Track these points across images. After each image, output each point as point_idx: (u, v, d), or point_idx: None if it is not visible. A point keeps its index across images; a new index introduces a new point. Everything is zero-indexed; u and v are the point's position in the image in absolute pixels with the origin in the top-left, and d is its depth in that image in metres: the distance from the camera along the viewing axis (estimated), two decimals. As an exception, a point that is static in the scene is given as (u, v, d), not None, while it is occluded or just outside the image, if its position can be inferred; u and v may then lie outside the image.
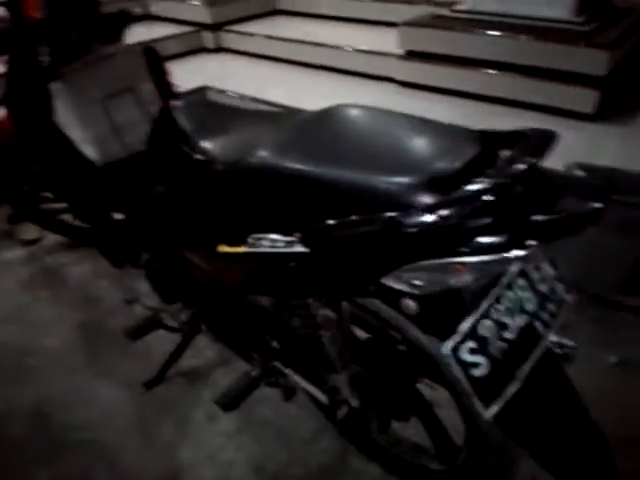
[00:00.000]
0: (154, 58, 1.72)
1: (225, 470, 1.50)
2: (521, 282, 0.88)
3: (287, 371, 1.31)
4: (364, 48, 3.27)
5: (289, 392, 1.46)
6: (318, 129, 0.99)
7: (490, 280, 0.83)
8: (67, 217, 2.24)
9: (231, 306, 1.39)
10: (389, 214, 0.78)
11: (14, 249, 2.53)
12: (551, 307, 0.91)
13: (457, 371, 0.79)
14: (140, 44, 1.74)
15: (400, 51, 3.02)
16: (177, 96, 1.30)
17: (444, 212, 0.74)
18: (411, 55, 2.99)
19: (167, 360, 1.76)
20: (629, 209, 1.70)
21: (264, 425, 1.60)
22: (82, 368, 1.86)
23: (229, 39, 3.96)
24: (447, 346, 0.79)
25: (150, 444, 1.59)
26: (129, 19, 1.64)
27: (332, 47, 3.39)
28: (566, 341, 1.03)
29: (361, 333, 1.25)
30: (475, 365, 0.80)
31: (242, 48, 3.89)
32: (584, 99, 2.45)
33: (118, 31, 1.65)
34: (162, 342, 1.83)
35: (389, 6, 3.62)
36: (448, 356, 0.80)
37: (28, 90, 1.57)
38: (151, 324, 1.67)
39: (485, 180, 0.77)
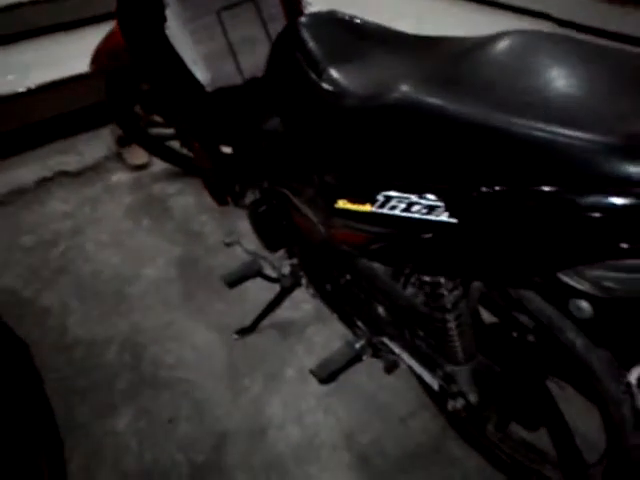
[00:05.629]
0: None
1: (312, 433, 1.42)
2: None
3: (397, 350, 1.16)
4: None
5: (391, 365, 1.33)
6: (483, 61, 0.75)
7: None
8: (175, 144, 2.17)
9: (338, 265, 1.26)
10: (583, 188, 0.57)
11: (121, 173, 2.53)
12: None
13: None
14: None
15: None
16: (304, 16, 1.11)
17: None
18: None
19: (263, 310, 1.68)
20: None
21: (357, 392, 1.50)
22: (177, 304, 1.83)
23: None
24: (634, 375, 0.65)
25: (238, 394, 1.54)
26: None
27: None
28: None
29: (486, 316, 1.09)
30: None
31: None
32: None
33: None
34: (258, 289, 1.75)
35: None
36: (632, 385, 0.64)
37: None
38: (249, 272, 1.59)
39: None
